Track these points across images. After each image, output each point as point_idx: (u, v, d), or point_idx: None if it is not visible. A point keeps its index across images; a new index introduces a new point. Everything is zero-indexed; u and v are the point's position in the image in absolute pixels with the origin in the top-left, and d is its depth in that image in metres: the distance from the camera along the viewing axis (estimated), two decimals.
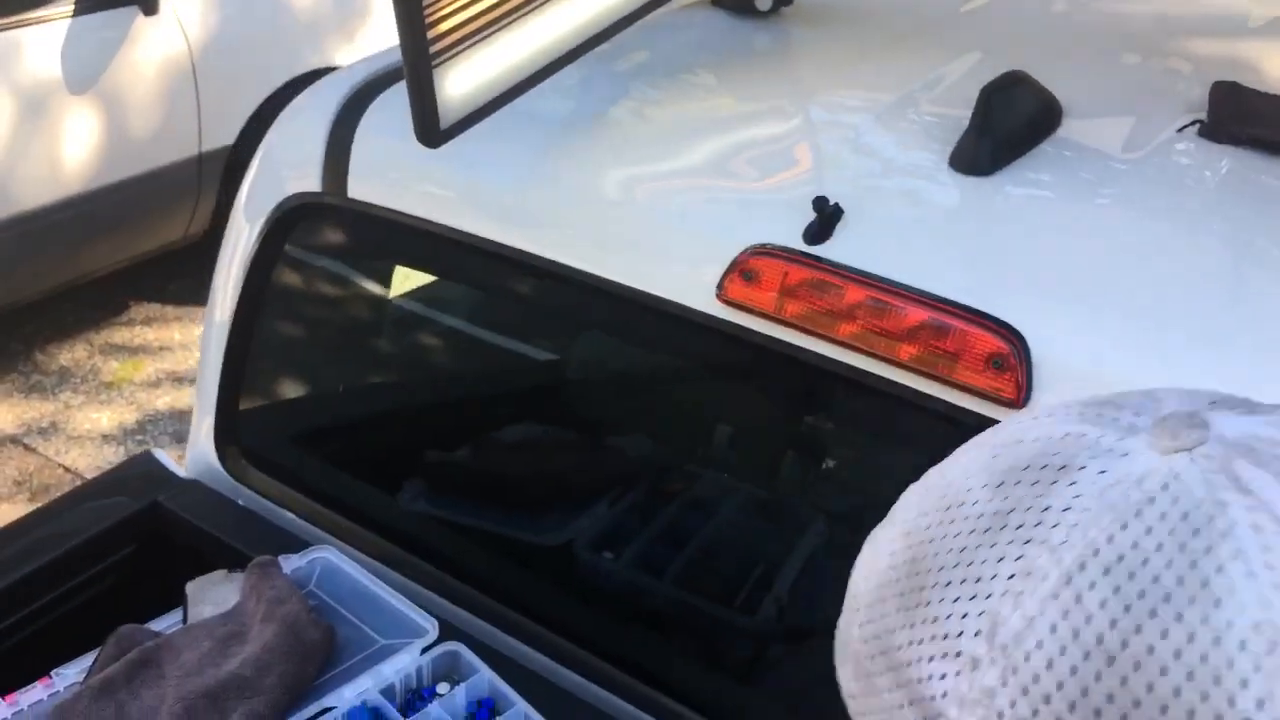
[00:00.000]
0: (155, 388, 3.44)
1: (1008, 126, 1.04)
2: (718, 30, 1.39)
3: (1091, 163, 1.09)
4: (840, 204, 1.00)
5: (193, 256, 3.75)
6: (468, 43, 0.91)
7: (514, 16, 0.95)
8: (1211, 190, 1.06)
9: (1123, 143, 1.13)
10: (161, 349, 3.60)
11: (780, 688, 1.30)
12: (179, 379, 3.48)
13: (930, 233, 1.01)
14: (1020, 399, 0.89)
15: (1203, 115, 1.13)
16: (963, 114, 1.06)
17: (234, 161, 3.54)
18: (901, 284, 0.94)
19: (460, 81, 0.92)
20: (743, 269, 0.99)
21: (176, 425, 3.28)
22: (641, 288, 1.05)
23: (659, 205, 1.09)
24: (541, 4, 0.97)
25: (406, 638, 1.16)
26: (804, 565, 1.28)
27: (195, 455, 1.44)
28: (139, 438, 3.22)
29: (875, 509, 1.43)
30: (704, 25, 1.40)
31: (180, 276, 3.84)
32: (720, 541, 1.31)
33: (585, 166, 1.12)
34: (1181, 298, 0.92)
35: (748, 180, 1.09)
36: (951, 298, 0.92)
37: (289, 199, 1.28)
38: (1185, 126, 1.13)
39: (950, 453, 0.55)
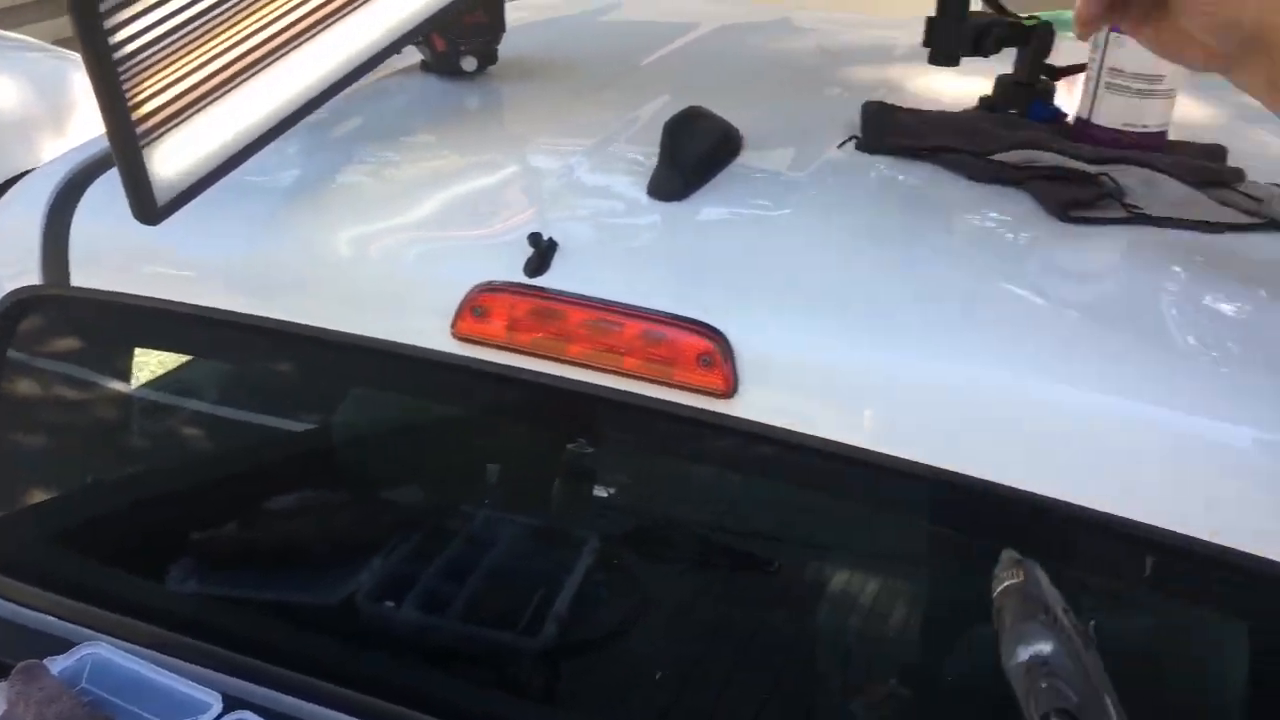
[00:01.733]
0: None
1: (692, 155, 1.17)
2: (429, 92, 1.47)
3: (770, 181, 1.24)
4: (554, 238, 1.10)
5: None
6: (175, 120, 0.94)
7: (222, 90, 0.99)
8: (871, 195, 1.23)
9: (793, 161, 1.29)
10: None
11: (569, 700, 1.37)
12: None
13: (636, 254, 1.12)
14: (729, 389, 1.00)
15: (858, 132, 1.31)
16: (655, 150, 1.19)
17: None
18: (616, 302, 1.04)
19: (172, 157, 0.96)
20: (473, 306, 1.07)
21: None
22: (381, 336, 1.11)
23: (391, 257, 1.15)
24: (250, 76, 1.02)
25: (190, 716, 1.15)
26: (579, 580, 1.37)
27: None
28: None
29: (629, 512, 1.54)
30: (415, 89, 1.48)
31: None
32: (496, 571, 1.37)
33: (315, 229, 1.17)
34: (855, 288, 1.07)
35: (471, 226, 1.17)
36: (660, 309, 1.03)
37: (7, 296, 1.26)
38: (844, 143, 1.30)
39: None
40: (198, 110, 0.97)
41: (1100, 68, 1.28)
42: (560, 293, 1.06)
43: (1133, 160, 1.22)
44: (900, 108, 1.36)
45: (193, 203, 1.02)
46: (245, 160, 1.06)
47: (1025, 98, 1.39)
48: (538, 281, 1.07)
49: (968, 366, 0.98)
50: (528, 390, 1.08)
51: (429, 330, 1.09)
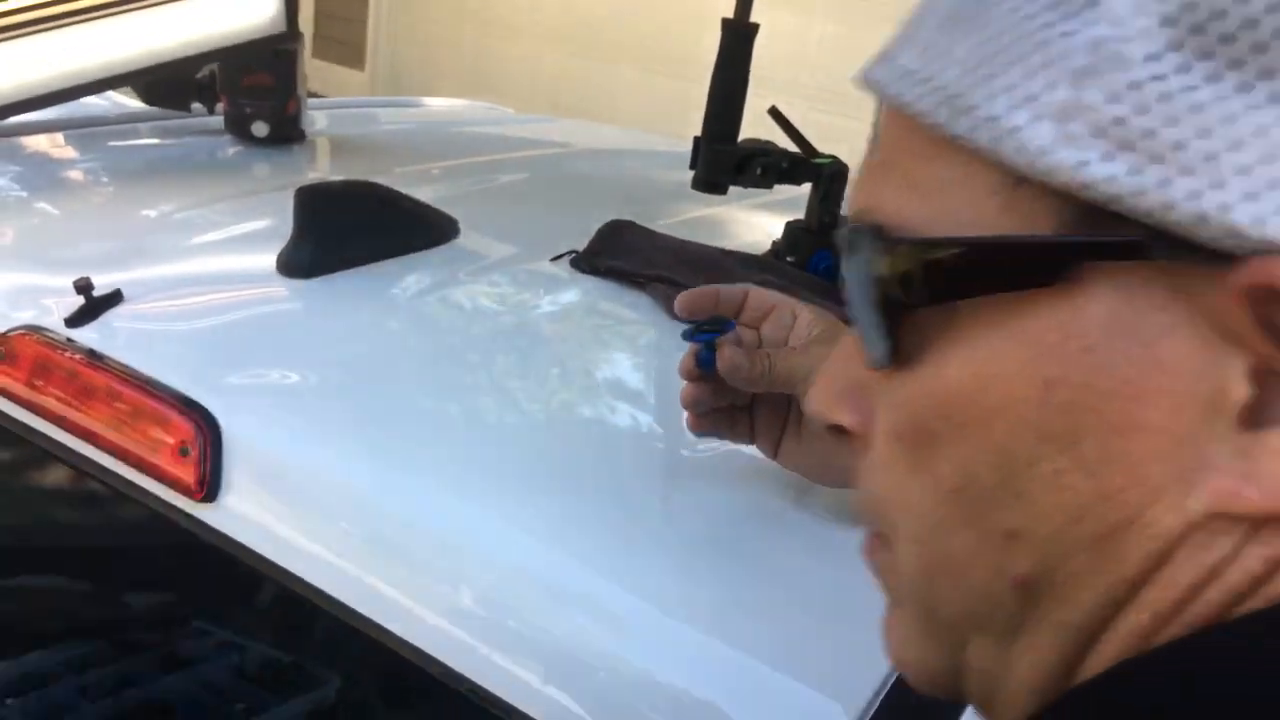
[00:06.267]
0: None
1: (327, 231, 1.03)
2: (176, 145, 1.39)
3: (435, 274, 1.07)
4: (122, 291, 0.96)
5: None
6: None
7: None
8: (529, 313, 1.04)
9: (487, 263, 1.12)
10: None
11: None
12: None
13: (203, 327, 0.97)
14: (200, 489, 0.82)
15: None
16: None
17: None
18: (131, 370, 0.88)
19: None
20: (1, 348, 0.93)
21: None
22: None
23: None
24: None
25: None
26: None
27: None
28: None
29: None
30: (169, 141, 1.41)
31: None
32: None
33: None
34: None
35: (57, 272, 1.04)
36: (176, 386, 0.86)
37: None
38: (559, 256, 1.13)
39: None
40: None
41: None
42: (87, 350, 0.91)
43: None
44: (644, 230, 1.19)
45: None
46: None
47: (807, 246, 1.19)
48: (73, 334, 0.93)
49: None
50: (42, 455, 0.93)
51: None
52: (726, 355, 0.72)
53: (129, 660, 1.19)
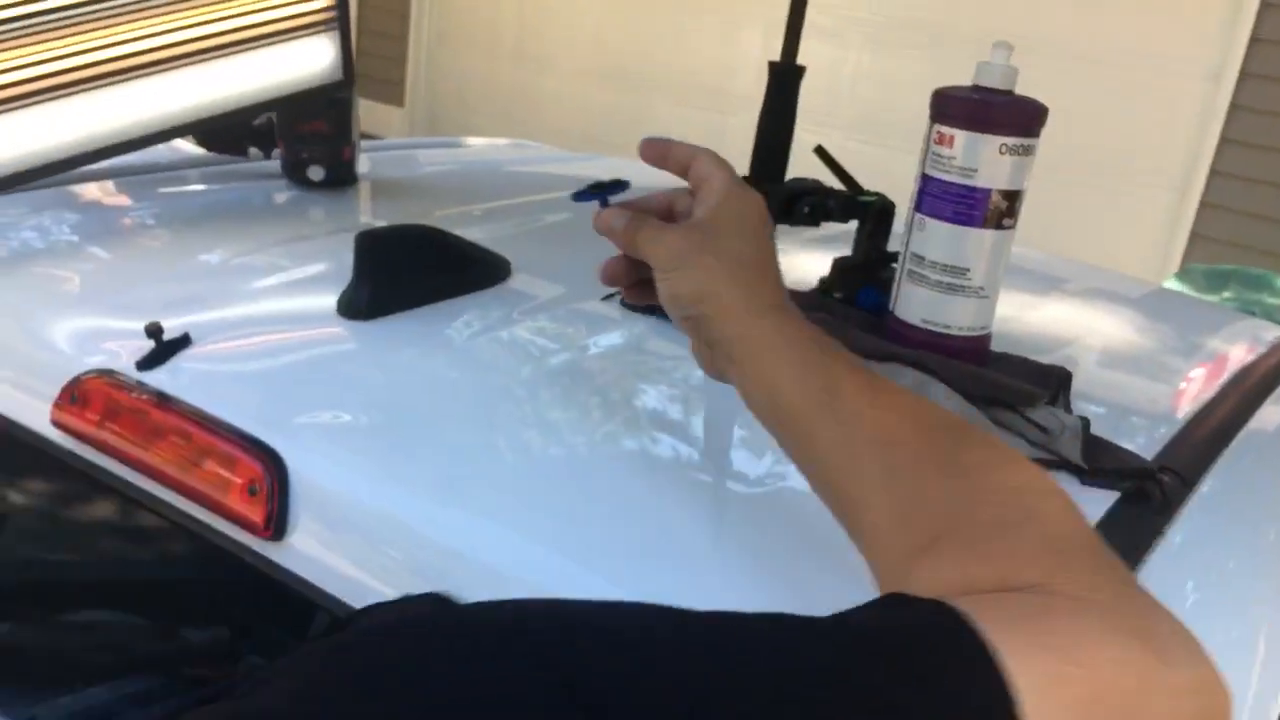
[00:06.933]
0: None
1: (383, 273, 1.05)
2: (233, 191, 1.43)
3: (485, 315, 1.10)
4: (190, 335, 0.99)
5: None
6: None
7: None
8: (597, 349, 1.06)
9: (538, 303, 1.14)
10: None
11: None
12: None
13: (269, 370, 0.99)
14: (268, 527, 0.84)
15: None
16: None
17: None
18: (198, 411, 0.91)
19: None
20: (73, 391, 0.96)
21: None
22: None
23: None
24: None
25: None
26: None
27: None
28: None
29: None
30: (229, 187, 1.44)
31: None
32: None
33: None
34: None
35: (123, 316, 1.08)
36: (241, 426, 0.89)
37: None
38: (608, 296, 1.15)
39: None
40: None
41: (906, 253, 1.09)
42: (157, 392, 0.93)
43: (907, 359, 1.00)
44: None
45: None
46: None
47: (854, 282, 1.20)
48: (143, 377, 0.96)
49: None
50: (108, 493, 0.95)
51: (31, 411, 0.98)
52: (602, 215, 0.77)
53: (189, 695, 1.21)
